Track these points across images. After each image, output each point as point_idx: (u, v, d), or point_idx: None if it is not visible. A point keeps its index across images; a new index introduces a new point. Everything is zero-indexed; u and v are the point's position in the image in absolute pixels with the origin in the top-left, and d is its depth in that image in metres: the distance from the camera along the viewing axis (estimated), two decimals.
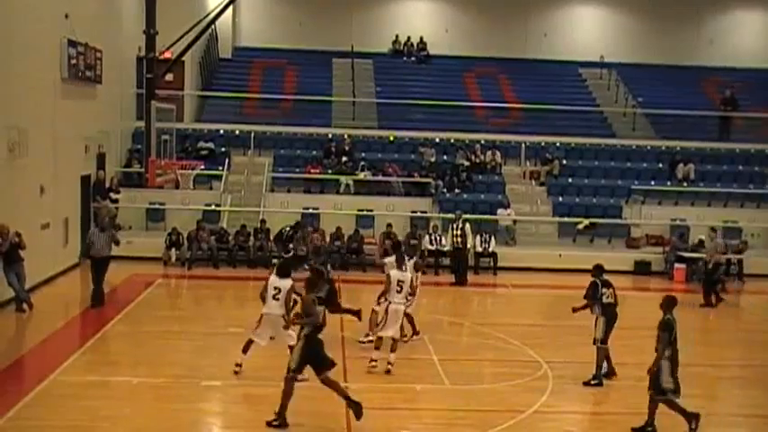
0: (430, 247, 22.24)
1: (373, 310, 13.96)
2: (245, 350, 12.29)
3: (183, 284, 20.55)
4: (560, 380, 12.74)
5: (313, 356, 10.34)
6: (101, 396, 11.47)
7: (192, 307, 18.46)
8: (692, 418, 10.56)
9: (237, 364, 12.30)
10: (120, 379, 12.00)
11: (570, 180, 26.44)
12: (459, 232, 21.04)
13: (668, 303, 10.67)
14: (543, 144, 27.41)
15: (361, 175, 25.10)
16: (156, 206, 23.63)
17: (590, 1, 33.87)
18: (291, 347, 11.22)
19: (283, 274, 12.16)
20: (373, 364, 12.74)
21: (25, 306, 15.79)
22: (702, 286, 19.65)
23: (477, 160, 26.35)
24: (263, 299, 12.15)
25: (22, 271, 15.80)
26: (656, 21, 32.87)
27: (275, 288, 11.98)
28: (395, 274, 13.07)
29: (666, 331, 10.37)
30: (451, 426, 10.92)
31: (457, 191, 25.11)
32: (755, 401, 12.73)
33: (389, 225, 22.43)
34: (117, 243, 16.76)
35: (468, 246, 21.44)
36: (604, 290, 12.50)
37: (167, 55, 24.39)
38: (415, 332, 14.61)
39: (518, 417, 11.04)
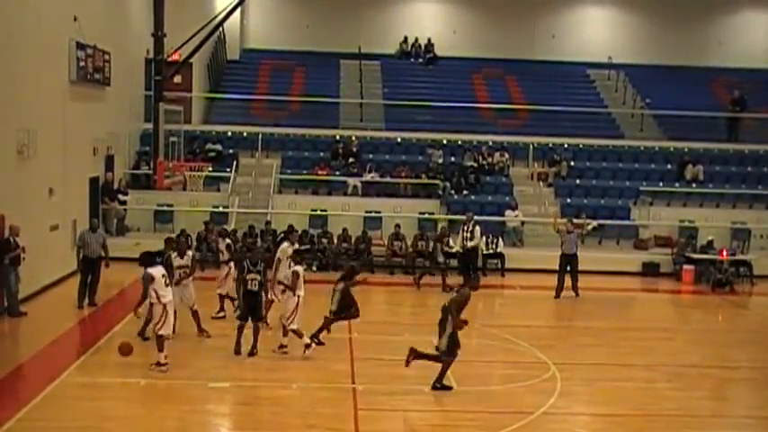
0: None
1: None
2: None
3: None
4: (569, 381, 12.71)
5: None
6: (110, 397, 11.50)
7: (200, 308, 18.41)
8: None
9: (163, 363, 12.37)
10: (129, 380, 12.02)
11: (578, 181, 26.38)
12: (468, 234, 20.94)
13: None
14: (551, 145, 27.36)
15: (368, 177, 25.10)
16: (165, 208, 23.69)
17: (598, 2, 33.77)
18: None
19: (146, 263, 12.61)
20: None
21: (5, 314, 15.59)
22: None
23: (485, 162, 26.30)
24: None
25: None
26: (665, 21, 32.77)
27: (162, 276, 12.49)
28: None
29: None
30: (460, 427, 10.92)
31: (465, 192, 25.08)
32: (765, 403, 12.69)
33: (398, 226, 22.47)
34: (105, 246, 16.80)
35: (477, 247, 21.37)
36: None
37: (175, 57, 24.43)
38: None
39: (527, 418, 11.02)
